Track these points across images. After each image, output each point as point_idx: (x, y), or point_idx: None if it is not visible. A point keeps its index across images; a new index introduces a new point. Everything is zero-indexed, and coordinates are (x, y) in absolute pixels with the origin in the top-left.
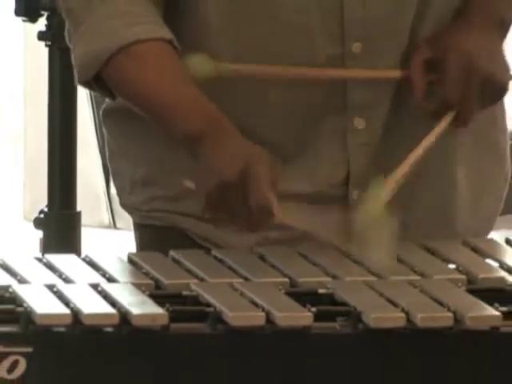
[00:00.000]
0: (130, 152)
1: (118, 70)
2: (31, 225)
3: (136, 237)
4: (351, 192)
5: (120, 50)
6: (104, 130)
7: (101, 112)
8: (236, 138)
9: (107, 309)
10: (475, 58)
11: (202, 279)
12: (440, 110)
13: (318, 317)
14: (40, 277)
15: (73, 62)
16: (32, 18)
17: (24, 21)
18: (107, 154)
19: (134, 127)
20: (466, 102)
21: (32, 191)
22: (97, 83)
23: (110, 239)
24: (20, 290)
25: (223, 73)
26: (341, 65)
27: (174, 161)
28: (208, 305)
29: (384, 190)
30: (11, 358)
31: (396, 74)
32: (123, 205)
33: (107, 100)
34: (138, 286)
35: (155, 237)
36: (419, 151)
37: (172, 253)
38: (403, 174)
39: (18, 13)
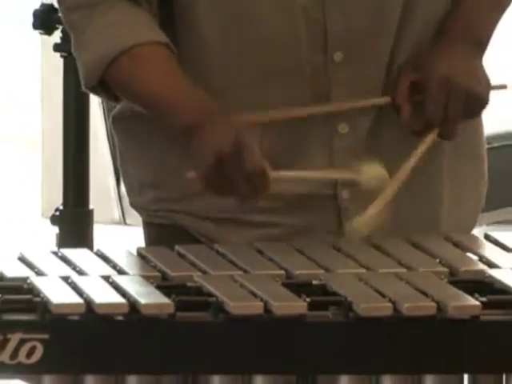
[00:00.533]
0: (138, 157)
1: (119, 71)
2: (48, 222)
3: (144, 233)
4: (340, 191)
5: (121, 53)
6: (114, 135)
7: (110, 119)
8: (227, 119)
9: (118, 299)
10: (454, 77)
11: (204, 272)
12: (424, 130)
13: (311, 306)
14: (56, 269)
15: (79, 69)
16: (48, 31)
17: (41, 34)
18: (118, 157)
19: (141, 134)
20: (449, 120)
21: (49, 191)
22: (101, 88)
23: (120, 235)
24: (37, 281)
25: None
26: (324, 72)
27: (178, 165)
28: (210, 295)
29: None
30: (29, 344)
31: (385, 100)
32: (132, 204)
33: (116, 108)
34: (146, 278)
35: (161, 234)
36: (406, 170)
37: (177, 247)
38: (392, 193)
39: (35, 26)
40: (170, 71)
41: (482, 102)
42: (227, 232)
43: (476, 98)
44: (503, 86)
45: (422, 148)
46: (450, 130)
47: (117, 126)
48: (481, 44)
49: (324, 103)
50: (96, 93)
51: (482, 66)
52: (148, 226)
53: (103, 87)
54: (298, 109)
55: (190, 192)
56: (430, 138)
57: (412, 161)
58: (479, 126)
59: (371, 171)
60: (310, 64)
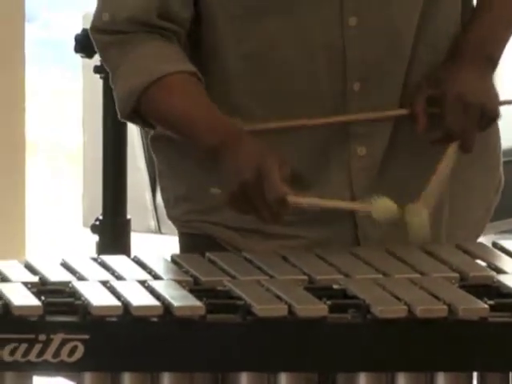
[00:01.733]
0: (173, 173)
1: (150, 100)
2: (89, 230)
3: (179, 242)
4: None
5: (152, 83)
6: (152, 153)
7: (149, 139)
8: (250, 143)
9: (153, 302)
10: (468, 93)
11: (233, 277)
12: (442, 140)
13: (332, 309)
14: (95, 274)
15: (115, 100)
16: (89, 54)
17: (82, 57)
18: (157, 173)
19: (175, 152)
20: (467, 133)
21: (89, 202)
22: (137, 116)
23: (155, 243)
24: (78, 285)
25: None
26: (343, 101)
27: (207, 181)
28: (239, 298)
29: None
30: (71, 344)
31: (403, 111)
32: (169, 216)
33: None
34: (179, 283)
35: (193, 242)
36: (437, 183)
37: (208, 254)
38: (430, 204)
39: (77, 50)
40: (196, 98)
41: (493, 117)
42: (251, 242)
43: (487, 113)
44: (510, 102)
45: (448, 159)
46: (470, 142)
47: (154, 145)
48: (492, 61)
49: (340, 115)
50: (132, 121)
51: (492, 82)
52: (182, 236)
53: (138, 116)
54: (314, 119)
55: (217, 205)
56: (452, 150)
57: (439, 174)
58: (493, 138)
59: (382, 205)
60: (329, 93)
